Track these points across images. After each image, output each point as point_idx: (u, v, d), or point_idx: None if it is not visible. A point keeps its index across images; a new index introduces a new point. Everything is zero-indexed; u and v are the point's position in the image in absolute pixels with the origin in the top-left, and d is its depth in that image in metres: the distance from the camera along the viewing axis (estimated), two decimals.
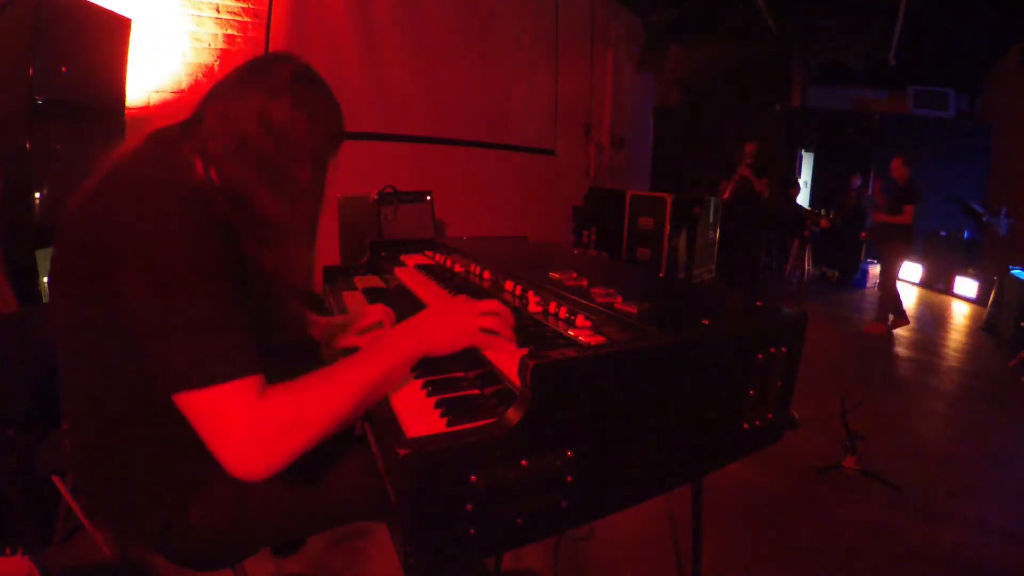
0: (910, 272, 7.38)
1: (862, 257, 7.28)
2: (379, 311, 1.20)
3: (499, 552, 1.51)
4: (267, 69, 0.84)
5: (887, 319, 4.87)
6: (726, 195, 5.98)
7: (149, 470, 0.86)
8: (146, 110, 3.21)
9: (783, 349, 0.96)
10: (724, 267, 6.11)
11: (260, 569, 1.59)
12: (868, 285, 7.07)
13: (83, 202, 0.76)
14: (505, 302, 1.16)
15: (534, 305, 1.09)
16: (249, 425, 0.69)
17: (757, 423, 0.96)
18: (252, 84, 0.82)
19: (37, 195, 2.12)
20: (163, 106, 3.29)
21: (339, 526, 0.98)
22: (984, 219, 6.26)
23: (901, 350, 4.47)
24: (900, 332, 4.96)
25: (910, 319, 4.96)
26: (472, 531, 0.66)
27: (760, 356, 0.93)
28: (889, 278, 4.85)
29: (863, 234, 5.39)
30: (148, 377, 0.71)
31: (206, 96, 0.84)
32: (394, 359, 0.81)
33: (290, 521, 0.94)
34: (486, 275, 1.37)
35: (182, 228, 0.70)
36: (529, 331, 0.98)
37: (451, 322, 0.87)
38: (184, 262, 0.69)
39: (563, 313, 1.02)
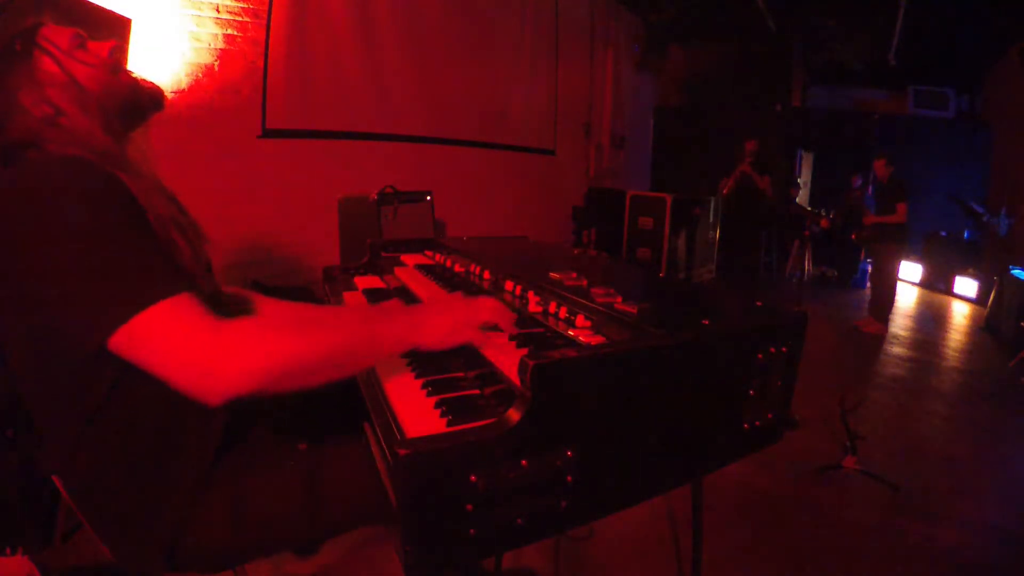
0: (910, 272, 7.38)
1: (862, 257, 7.28)
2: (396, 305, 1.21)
3: (499, 552, 1.51)
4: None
5: (887, 319, 4.86)
6: (726, 191, 5.98)
7: (136, 494, 0.83)
8: None
9: (783, 349, 0.96)
10: (724, 267, 6.13)
11: (260, 570, 1.59)
12: (868, 285, 7.07)
13: None
14: (505, 302, 1.17)
15: (534, 305, 1.09)
16: (206, 335, 0.67)
17: (757, 423, 0.96)
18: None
19: None
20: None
21: (342, 532, 0.97)
22: (984, 219, 6.26)
23: (901, 350, 4.47)
24: (899, 332, 4.97)
25: (893, 325, 4.97)
26: (472, 531, 0.66)
27: (760, 356, 0.93)
28: (886, 280, 4.84)
29: (853, 236, 5.38)
30: (81, 339, 0.67)
31: None
32: (384, 338, 0.82)
33: (290, 530, 0.92)
34: (486, 275, 1.37)
35: (65, 185, 0.70)
36: (529, 331, 0.98)
37: (446, 322, 0.87)
38: (77, 210, 0.69)
39: (563, 313, 1.01)
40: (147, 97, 0.94)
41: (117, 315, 0.66)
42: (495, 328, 0.93)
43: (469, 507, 0.64)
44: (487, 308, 0.92)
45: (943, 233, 7.06)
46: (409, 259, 1.75)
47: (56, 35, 0.86)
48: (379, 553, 1.74)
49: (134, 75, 0.94)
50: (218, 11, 3.49)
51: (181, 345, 0.67)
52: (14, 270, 0.70)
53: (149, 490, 0.83)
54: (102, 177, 0.74)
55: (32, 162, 0.76)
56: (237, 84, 3.59)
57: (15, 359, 0.80)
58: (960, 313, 6.08)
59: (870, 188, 5.65)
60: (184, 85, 3.36)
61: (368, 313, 0.97)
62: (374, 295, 1.47)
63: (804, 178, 8.44)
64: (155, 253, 0.73)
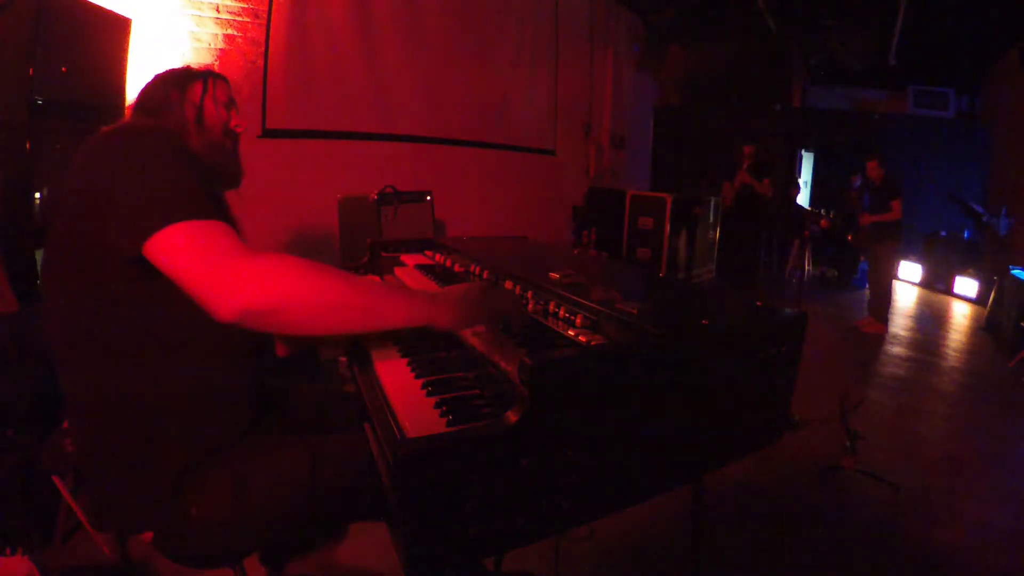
0: (910, 272, 7.37)
1: (861, 257, 7.28)
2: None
3: (499, 552, 1.51)
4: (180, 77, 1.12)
5: (886, 319, 4.86)
6: (728, 202, 5.98)
7: (147, 457, 0.87)
8: None
9: (783, 349, 0.96)
10: (724, 267, 6.12)
11: (260, 569, 1.59)
12: (868, 285, 7.07)
13: (63, 188, 0.88)
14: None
15: (533, 305, 1.09)
16: (233, 251, 0.76)
17: (757, 423, 0.96)
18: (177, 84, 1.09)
19: (37, 195, 2.12)
20: None
21: (339, 524, 0.98)
22: (984, 219, 6.26)
23: (901, 350, 4.47)
24: (899, 332, 4.97)
25: (893, 325, 4.97)
26: (472, 531, 0.65)
27: (760, 356, 0.93)
28: (883, 279, 4.84)
29: (849, 237, 5.39)
30: (124, 243, 0.77)
31: (152, 96, 1.07)
32: (399, 304, 0.87)
33: (290, 518, 0.95)
34: (486, 275, 1.37)
35: (154, 141, 0.87)
36: (529, 331, 0.98)
37: (464, 306, 0.90)
38: (159, 154, 0.84)
39: (563, 313, 1.01)
40: (225, 167, 1.10)
41: (157, 221, 0.76)
42: (507, 321, 0.95)
43: (469, 507, 0.64)
44: (506, 300, 0.96)
45: (943, 233, 7.06)
46: (409, 259, 1.75)
47: (220, 89, 1.13)
48: (379, 552, 1.74)
49: (237, 153, 1.14)
50: (218, 11, 3.48)
51: (207, 255, 0.76)
52: (90, 183, 0.83)
53: (153, 466, 0.88)
54: (182, 142, 0.93)
55: (141, 119, 1.02)
56: (237, 84, 3.54)
57: (55, 290, 0.88)
58: (960, 313, 6.08)
59: (861, 191, 5.67)
60: None
61: (389, 284, 1.03)
62: None
63: (804, 178, 8.44)
64: (206, 194, 0.83)
